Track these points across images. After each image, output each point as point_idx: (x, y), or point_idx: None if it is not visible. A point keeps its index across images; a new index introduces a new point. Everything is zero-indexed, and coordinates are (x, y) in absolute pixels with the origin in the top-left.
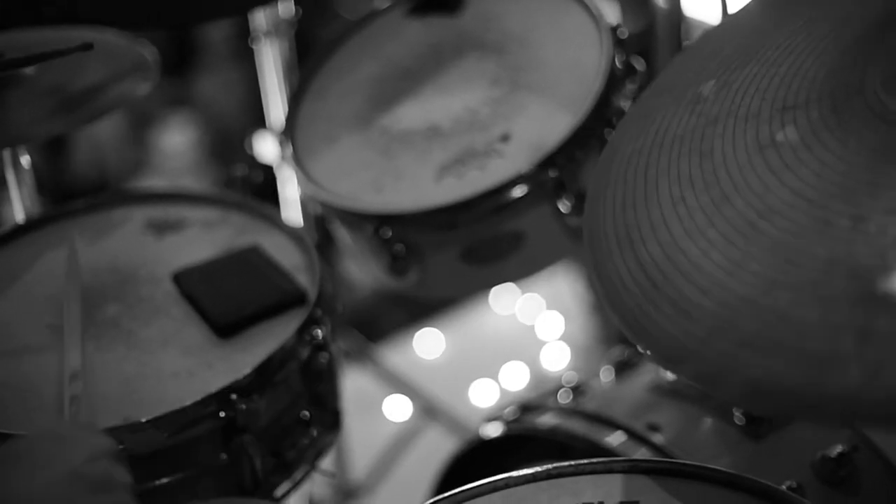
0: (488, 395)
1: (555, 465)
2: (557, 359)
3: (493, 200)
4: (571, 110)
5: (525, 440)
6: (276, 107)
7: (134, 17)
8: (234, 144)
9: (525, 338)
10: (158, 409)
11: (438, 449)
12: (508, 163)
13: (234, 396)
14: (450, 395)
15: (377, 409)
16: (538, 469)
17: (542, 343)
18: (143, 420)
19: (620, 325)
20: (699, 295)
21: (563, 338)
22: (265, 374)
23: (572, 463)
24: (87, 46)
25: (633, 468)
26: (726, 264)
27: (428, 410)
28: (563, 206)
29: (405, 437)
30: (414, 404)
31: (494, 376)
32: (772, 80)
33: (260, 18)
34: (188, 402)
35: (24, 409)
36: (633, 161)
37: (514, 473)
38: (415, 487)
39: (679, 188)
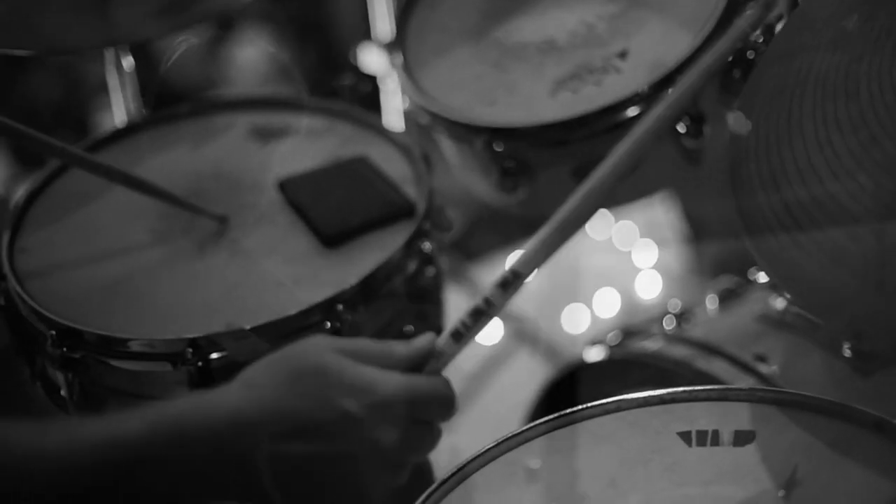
0: (580, 321)
1: (669, 390)
2: (650, 287)
3: (609, 118)
4: (691, 29)
5: (626, 367)
6: (382, 18)
7: None
8: (331, 56)
9: (618, 265)
10: (262, 317)
11: (529, 373)
12: (626, 80)
13: (339, 307)
14: (541, 319)
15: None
16: (651, 393)
17: (635, 271)
18: (247, 328)
19: (764, 267)
20: (848, 240)
21: (657, 266)
22: (371, 285)
23: (687, 389)
24: (223, 219)
25: (749, 397)
26: (877, 208)
27: (519, 334)
28: (680, 127)
29: (496, 360)
30: (505, 327)
31: (586, 302)
32: None
33: None
34: (293, 311)
35: (132, 314)
36: (776, 103)
37: (627, 396)
38: (504, 410)
39: (826, 130)
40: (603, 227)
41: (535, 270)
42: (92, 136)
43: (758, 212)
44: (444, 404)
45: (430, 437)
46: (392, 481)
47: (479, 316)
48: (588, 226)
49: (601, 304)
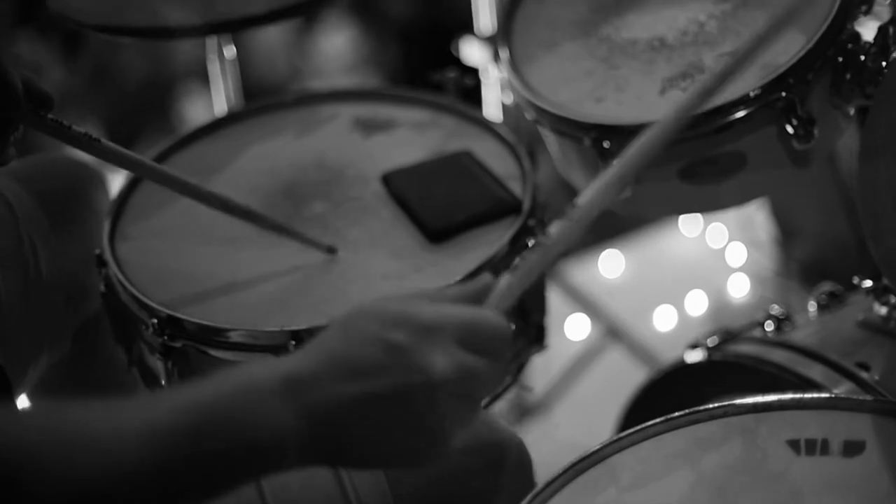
0: (669, 320)
1: (777, 396)
2: (741, 288)
3: (719, 118)
4: (804, 31)
5: (726, 370)
6: (484, 10)
7: None
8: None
9: (709, 265)
10: None
11: (618, 370)
12: (737, 80)
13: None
14: (631, 316)
15: (558, 327)
16: (759, 399)
17: (726, 271)
18: None
19: (886, 272)
20: None
21: (747, 268)
22: None
23: (795, 396)
24: (332, 250)
25: (860, 406)
26: None
27: (609, 331)
28: (790, 129)
29: (585, 357)
30: (595, 324)
31: (676, 301)
32: None
33: None
34: None
35: (234, 304)
36: None
37: (735, 402)
38: (593, 408)
39: None
40: (694, 226)
41: (597, 210)
42: (194, 124)
43: (888, 228)
44: (495, 334)
45: (491, 369)
46: (461, 417)
47: (537, 249)
48: (680, 224)
49: (691, 304)
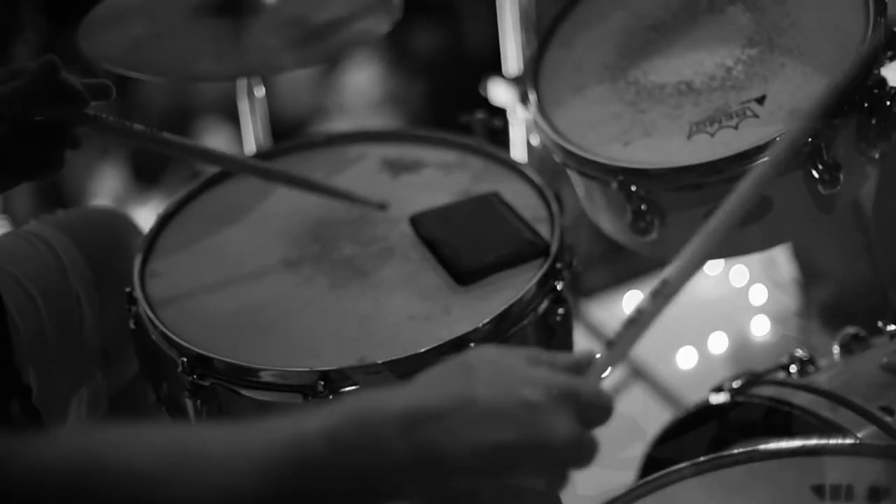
0: (691, 359)
1: (801, 442)
2: (762, 328)
3: (745, 163)
4: (830, 76)
5: (749, 412)
6: (511, 52)
7: None
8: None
9: (731, 304)
10: (395, 351)
11: (641, 409)
12: (764, 125)
13: (471, 345)
14: (653, 356)
15: None
16: (783, 445)
17: (748, 311)
18: (379, 362)
19: None
20: None
21: (769, 308)
22: (503, 324)
23: (820, 441)
24: (383, 206)
25: (885, 452)
26: None
27: (632, 371)
28: (816, 174)
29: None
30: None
31: (698, 340)
32: None
33: None
34: (426, 347)
35: (263, 343)
36: None
37: (760, 447)
38: (616, 445)
39: None
40: (715, 267)
41: (686, 281)
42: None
43: None
44: (605, 408)
45: (592, 443)
46: (555, 488)
47: (631, 325)
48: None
49: (712, 343)
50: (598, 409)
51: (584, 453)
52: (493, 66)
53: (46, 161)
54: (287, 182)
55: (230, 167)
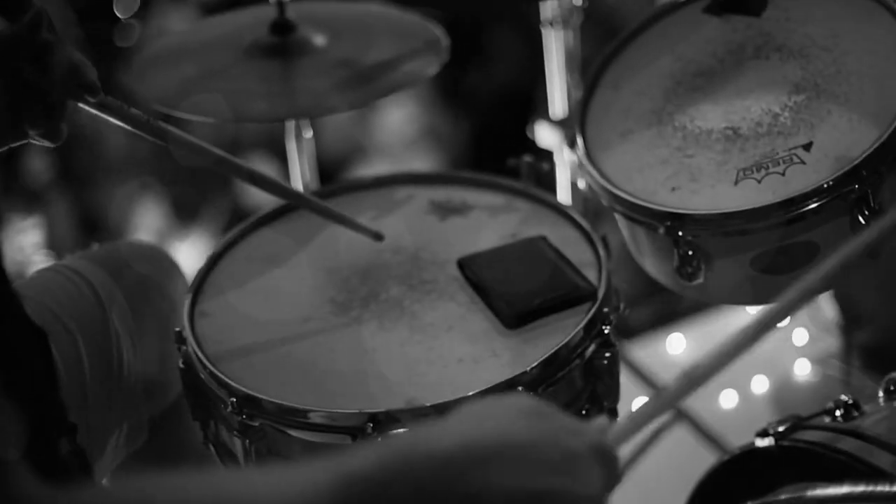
0: (733, 400)
1: (849, 489)
2: (804, 370)
3: (792, 209)
4: (877, 123)
5: (794, 457)
6: (558, 94)
7: None
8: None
9: (773, 346)
10: (443, 394)
11: (683, 451)
12: (810, 171)
13: (519, 388)
14: (695, 396)
15: (624, 409)
16: (829, 492)
17: (790, 353)
18: (428, 404)
19: None
20: None
21: (810, 350)
22: (551, 368)
23: (866, 489)
24: (378, 237)
25: None
26: None
27: (674, 411)
28: (862, 220)
29: (649, 436)
30: None
31: (740, 381)
32: None
33: (548, 5)
34: (474, 391)
35: (311, 384)
36: None
37: (806, 494)
38: (659, 486)
39: None
40: (756, 310)
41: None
42: (259, 195)
43: None
44: (619, 475)
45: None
46: None
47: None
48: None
49: (755, 385)
50: (617, 474)
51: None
52: (525, 104)
53: (45, 128)
54: (282, 194)
55: (224, 168)
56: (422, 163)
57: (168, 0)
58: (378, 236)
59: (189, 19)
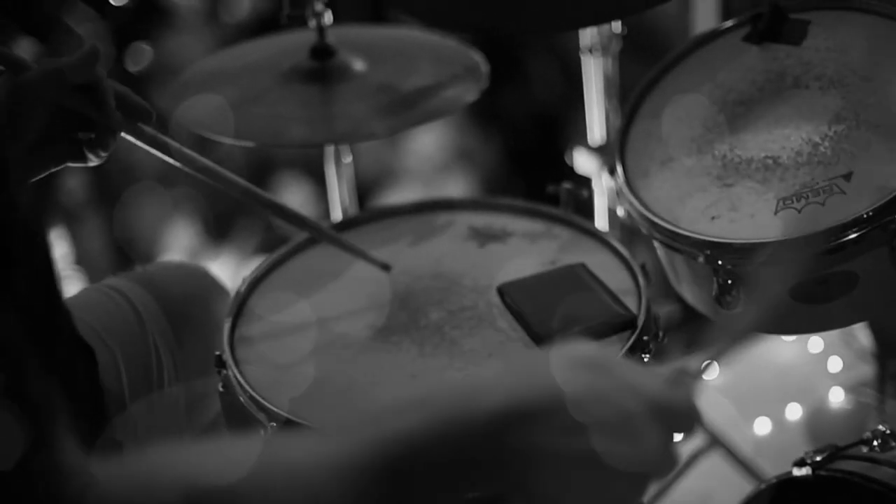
0: (766, 427)
1: None
2: (838, 398)
3: (832, 238)
4: None
5: (833, 487)
6: (596, 121)
7: (467, 20)
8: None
9: (807, 373)
10: None
11: (717, 477)
12: (851, 201)
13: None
14: (728, 423)
15: None
16: None
17: (825, 380)
18: None
19: None
20: None
21: (844, 378)
22: None
23: None
24: (386, 267)
25: None
26: None
27: (707, 438)
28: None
29: (687, 469)
30: (697, 435)
31: (773, 408)
32: None
33: (587, 32)
34: None
35: (346, 407)
36: None
37: None
38: None
39: None
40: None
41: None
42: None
43: None
44: (693, 419)
45: (674, 456)
46: (634, 497)
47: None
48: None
49: (790, 412)
50: (686, 420)
51: (666, 465)
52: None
53: (74, 152)
54: (282, 215)
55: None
56: (455, 187)
57: (181, 23)
58: (385, 267)
59: (202, 42)
